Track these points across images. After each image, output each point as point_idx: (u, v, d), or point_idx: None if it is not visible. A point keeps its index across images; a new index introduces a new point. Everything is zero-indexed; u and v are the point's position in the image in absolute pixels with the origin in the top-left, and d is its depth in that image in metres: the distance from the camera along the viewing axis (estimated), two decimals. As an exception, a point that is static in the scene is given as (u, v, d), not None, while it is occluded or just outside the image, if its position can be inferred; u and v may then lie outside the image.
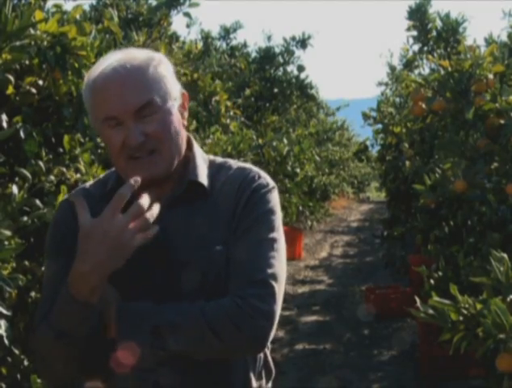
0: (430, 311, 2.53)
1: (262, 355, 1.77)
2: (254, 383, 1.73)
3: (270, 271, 1.61)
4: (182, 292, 1.63)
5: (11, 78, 2.67)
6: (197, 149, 1.77)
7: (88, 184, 1.83)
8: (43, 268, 2.94)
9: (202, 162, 1.75)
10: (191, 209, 1.69)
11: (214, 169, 1.75)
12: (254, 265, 1.62)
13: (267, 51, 9.79)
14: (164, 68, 1.68)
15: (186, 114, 1.73)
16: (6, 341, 2.34)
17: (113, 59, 1.66)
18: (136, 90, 1.62)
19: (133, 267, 1.64)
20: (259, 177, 1.73)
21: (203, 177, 1.71)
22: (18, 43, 2.61)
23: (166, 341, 1.55)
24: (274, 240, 1.66)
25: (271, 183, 1.74)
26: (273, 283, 1.61)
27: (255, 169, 1.76)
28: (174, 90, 1.69)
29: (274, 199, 1.71)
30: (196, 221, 1.68)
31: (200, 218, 1.68)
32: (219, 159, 1.80)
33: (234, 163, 1.78)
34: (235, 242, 1.65)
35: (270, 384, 1.79)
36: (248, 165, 1.78)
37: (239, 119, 7.17)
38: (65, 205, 1.77)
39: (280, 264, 1.64)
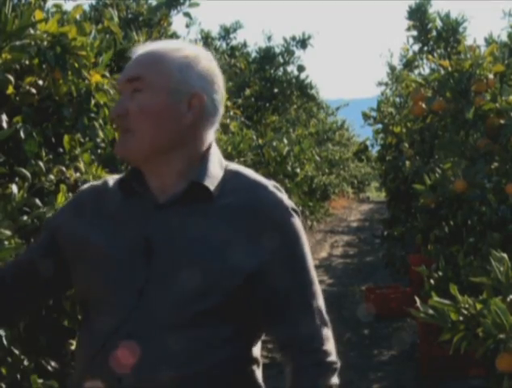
0: (430, 311, 2.53)
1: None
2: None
3: (323, 326, 1.69)
4: (172, 292, 1.62)
5: (11, 78, 2.67)
6: (214, 153, 1.73)
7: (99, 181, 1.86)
8: (43, 268, 2.94)
9: (215, 166, 1.71)
10: (192, 210, 1.67)
11: (227, 175, 1.72)
12: (312, 323, 1.68)
13: (267, 51, 9.78)
14: (192, 60, 1.68)
15: (190, 114, 1.68)
16: (5, 341, 2.34)
17: (152, 43, 1.75)
18: (138, 65, 1.67)
19: (125, 265, 1.65)
20: (283, 201, 1.70)
21: (209, 180, 1.68)
22: (18, 43, 2.61)
23: None
24: (314, 276, 1.71)
25: (294, 205, 1.74)
26: (328, 332, 1.69)
27: (273, 186, 1.73)
28: (187, 86, 1.67)
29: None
30: (194, 223, 1.66)
31: (199, 220, 1.66)
32: (236, 167, 1.77)
33: (251, 174, 1.75)
34: (273, 275, 1.65)
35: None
36: (265, 180, 1.74)
37: (239, 119, 7.17)
38: (92, 187, 1.81)
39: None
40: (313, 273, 1.72)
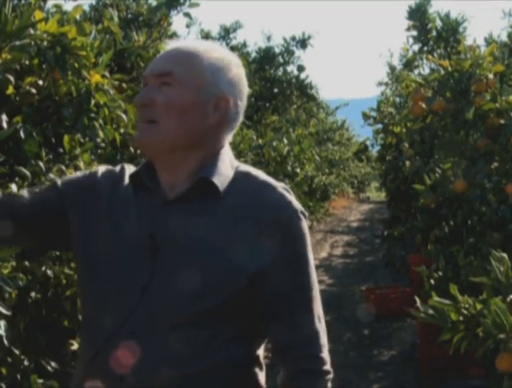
0: (430, 311, 2.53)
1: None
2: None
3: (321, 333, 1.71)
4: (176, 290, 1.62)
5: (11, 78, 2.67)
6: (225, 153, 1.74)
7: (117, 167, 1.84)
8: (43, 268, 2.95)
9: (225, 166, 1.71)
10: (199, 208, 1.67)
11: (237, 176, 1.72)
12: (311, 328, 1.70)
13: (267, 51, 9.78)
14: (223, 64, 1.70)
15: (215, 115, 1.69)
16: (5, 341, 2.33)
17: (184, 40, 1.83)
18: (170, 60, 1.68)
19: (130, 261, 1.65)
20: (291, 203, 1.70)
21: (217, 177, 1.68)
22: (18, 43, 2.61)
23: None
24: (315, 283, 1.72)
25: (302, 208, 1.74)
26: (325, 339, 1.71)
27: (282, 188, 1.72)
28: (216, 88, 1.69)
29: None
30: (200, 221, 1.66)
31: (205, 218, 1.66)
32: (247, 168, 1.77)
33: (261, 175, 1.75)
34: (276, 277, 1.65)
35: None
36: (275, 182, 1.74)
37: (239, 119, 7.16)
38: (119, 171, 1.79)
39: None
40: (315, 278, 1.72)
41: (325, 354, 1.69)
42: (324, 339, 1.70)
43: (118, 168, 1.81)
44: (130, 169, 1.79)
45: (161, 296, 1.62)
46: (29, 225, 1.74)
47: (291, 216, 1.68)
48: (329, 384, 1.69)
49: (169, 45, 1.74)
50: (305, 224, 1.71)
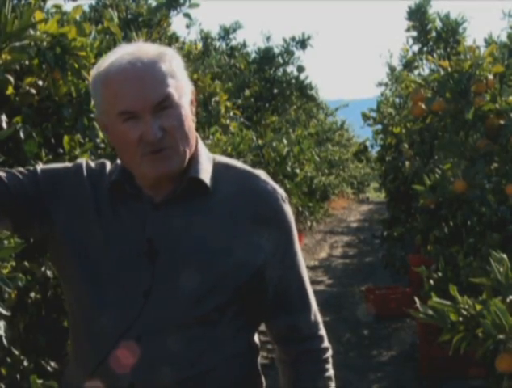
0: (430, 312, 2.53)
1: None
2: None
3: (316, 311, 1.76)
4: (180, 292, 1.62)
5: (11, 78, 2.67)
6: (201, 146, 1.73)
7: (94, 163, 1.78)
8: (42, 269, 2.95)
9: (205, 160, 1.71)
10: (191, 207, 1.67)
11: (218, 168, 1.71)
12: (307, 305, 1.74)
13: (267, 51, 9.78)
14: (177, 63, 1.66)
15: (194, 110, 1.69)
16: (5, 342, 2.34)
17: (125, 52, 1.63)
18: (155, 85, 1.59)
19: (128, 267, 1.64)
20: (276, 189, 1.71)
21: (204, 174, 1.67)
22: (17, 43, 2.61)
23: None
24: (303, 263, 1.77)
25: (284, 193, 1.75)
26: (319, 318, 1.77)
27: (264, 175, 1.73)
28: (187, 86, 1.67)
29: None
30: (196, 220, 1.66)
31: (200, 217, 1.66)
32: (223, 159, 1.76)
33: (239, 165, 1.75)
34: (276, 264, 1.68)
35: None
36: (255, 170, 1.75)
37: (239, 119, 7.17)
38: (99, 168, 1.75)
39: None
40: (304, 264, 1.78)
41: (323, 331, 1.76)
42: (317, 315, 1.76)
43: (97, 165, 1.76)
44: (108, 167, 1.75)
45: (165, 299, 1.61)
46: (1, 203, 1.66)
47: (280, 203, 1.71)
48: (330, 359, 1.75)
49: (126, 68, 1.59)
50: (289, 208, 1.74)
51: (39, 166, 1.76)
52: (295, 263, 1.72)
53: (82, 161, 1.77)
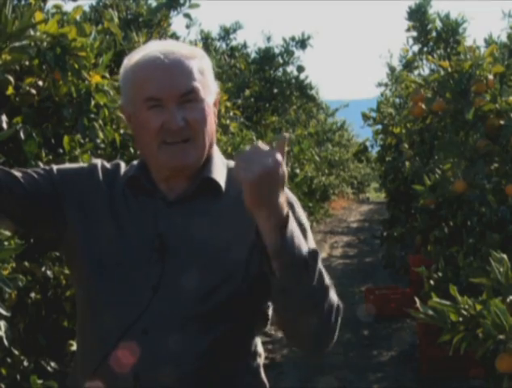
0: (430, 312, 2.53)
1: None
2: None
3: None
4: (187, 288, 1.63)
5: (11, 78, 2.67)
6: (217, 150, 1.76)
7: (109, 164, 1.81)
8: (43, 269, 2.95)
9: (220, 163, 1.74)
10: (203, 207, 1.69)
11: (231, 173, 1.70)
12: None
13: (267, 51, 9.77)
14: (206, 62, 1.71)
15: (216, 112, 1.73)
16: (5, 342, 2.34)
17: (157, 45, 1.70)
18: (183, 76, 1.64)
19: (139, 261, 1.65)
20: (287, 195, 1.69)
21: (218, 175, 1.70)
22: (17, 44, 2.61)
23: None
24: None
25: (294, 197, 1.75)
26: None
27: None
28: (213, 86, 1.71)
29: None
30: (207, 220, 1.67)
31: (211, 217, 1.68)
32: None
33: None
34: None
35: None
36: None
37: (239, 119, 7.17)
38: (115, 168, 1.77)
39: None
40: None
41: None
42: None
43: (112, 166, 1.80)
44: (123, 168, 1.78)
45: (172, 295, 1.63)
46: (17, 202, 1.68)
47: (291, 206, 1.70)
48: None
49: (158, 58, 1.65)
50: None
51: (55, 166, 1.79)
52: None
53: (98, 161, 1.81)
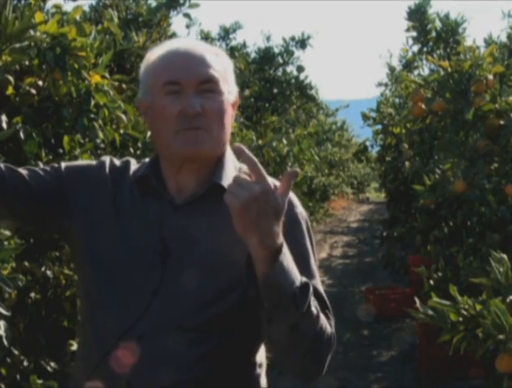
0: (430, 312, 2.53)
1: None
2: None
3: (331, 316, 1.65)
4: (186, 295, 1.61)
5: (11, 78, 2.67)
6: (230, 153, 1.73)
7: (118, 161, 1.80)
8: (42, 269, 2.95)
9: (231, 167, 1.71)
10: (210, 213, 1.66)
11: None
12: (325, 304, 1.65)
13: (267, 51, 9.77)
14: (228, 62, 1.72)
15: (234, 115, 1.72)
16: (5, 342, 2.34)
17: (181, 41, 1.73)
18: (204, 64, 1.64)
19: (140, 264, 1.64)
20: (291, 199, 1.67)
21: (227, 181, 1.63)
22: (18, 45, 2.61)
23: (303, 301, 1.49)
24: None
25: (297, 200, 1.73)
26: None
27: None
28: (233, 86, 1.71)
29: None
30: (212, 226, 1.65)
31: (217, 224, 1.64)
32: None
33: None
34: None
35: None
36: (275, 180, 1.70)
37: (238, 119, 7.16)
38: (124, 165, 1.76)
39: None
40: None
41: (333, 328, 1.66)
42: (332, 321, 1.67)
43: (122, 163, 1.78)
44: (134, 165, 1.77)
45: (171, 300, 1.61)
46: (22, 201, 1.69)
47: (295, 211, 1.69)
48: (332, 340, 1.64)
49: (182, 48, 1.67)
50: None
51: (63, 163, 1.78)
52: (312, 274, 1.67)
53: (107, 158, 1.80)
